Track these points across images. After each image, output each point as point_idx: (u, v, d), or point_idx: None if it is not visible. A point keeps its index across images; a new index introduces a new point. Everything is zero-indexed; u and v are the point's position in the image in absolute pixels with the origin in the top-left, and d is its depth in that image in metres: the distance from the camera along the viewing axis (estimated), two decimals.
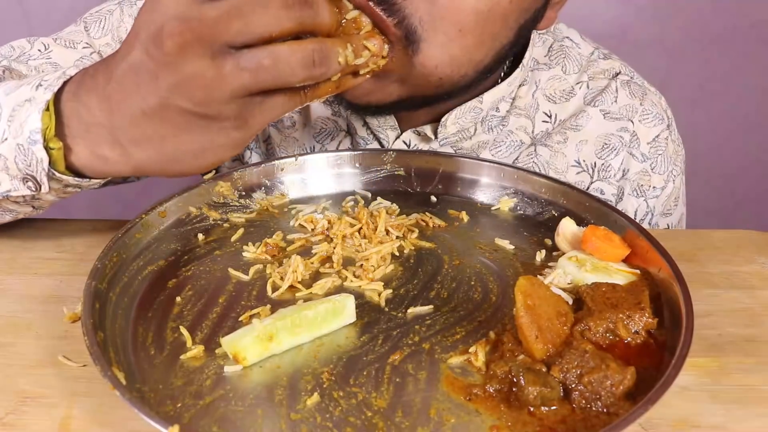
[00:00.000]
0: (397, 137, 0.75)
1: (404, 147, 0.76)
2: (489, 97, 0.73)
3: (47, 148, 0.50)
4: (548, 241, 0.64)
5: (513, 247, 0.63)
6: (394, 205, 0.69)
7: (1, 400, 0.46)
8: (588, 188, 0.78)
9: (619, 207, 0.79)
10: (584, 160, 0.77)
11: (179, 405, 0.45)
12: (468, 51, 0.59)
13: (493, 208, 0.69)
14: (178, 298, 0.55)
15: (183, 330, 0.51)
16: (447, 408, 0.45)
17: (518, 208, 0.69)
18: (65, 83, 0.51)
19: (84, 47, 0.75)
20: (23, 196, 0.55)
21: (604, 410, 0.45)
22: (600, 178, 0.77)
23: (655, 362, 0.48)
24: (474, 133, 0.74)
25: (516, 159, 0.77)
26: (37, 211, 0.61)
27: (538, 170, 0.77)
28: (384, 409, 0.45)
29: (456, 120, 0.72)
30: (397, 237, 0.63)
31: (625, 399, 0.45)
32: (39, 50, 0.73)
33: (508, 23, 0.60)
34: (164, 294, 0.55)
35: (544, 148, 0.76)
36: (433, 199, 0.71)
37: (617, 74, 0.80)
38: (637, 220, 0.79)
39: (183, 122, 0.47)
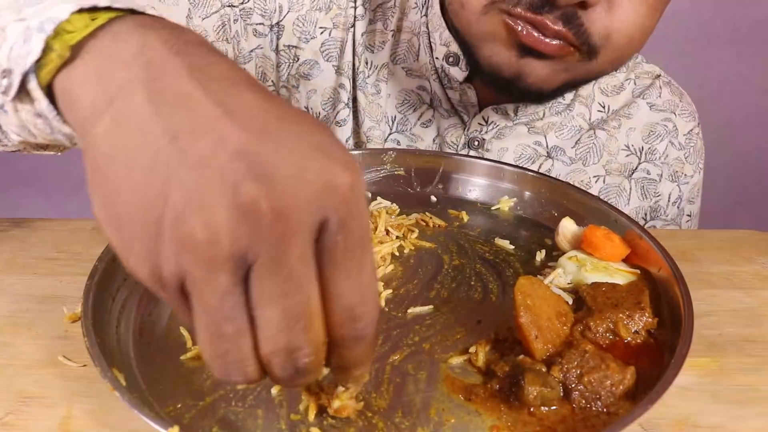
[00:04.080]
0: (476, 114, 0.79)
1: (483, 123, 0.79)
2: None
3: (48, 47, 0.36)
4: (548, 241, 0.64)
5: (513, 247, 0.63)
6: (394, 205, 0.69)
7: (1, 400, 0.46)
8: (636, 168, 0.85)
9: (658, 189, 0.86)
10: (632, 145, 0.85)
11: (179, 405, 0.45)
12: (628, 55, 0.69)
13: (493, 208, 0.69)
14: None
15: (183, 330, 0.51)
16: (447, 408, 0.45)
17: (518, 207, 0.69)
18: (135, 13, 0.38)
19: None
20: None
21: (604, 410, 0.45)
22: (647, 160, 0.86)
23: (655, 362, 0.48)
24: (543, 116, 0.81)
25: (578, 140, 0.83)
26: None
27: (595, 151, 0.84)
28: (384, 409, 0.45)
29: None
30: (397, 237, 0.63)
31: (625, 399, 0.45)
32: None
33: (655, 26, 0.69)
34: None
35: (602, 131, 0.84)
36: (433, 199, 0.71)
37: (659, 76, 0.89)
38: (670, 203, 0.87)
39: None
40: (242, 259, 0.30)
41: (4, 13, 0.41)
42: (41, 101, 0.38)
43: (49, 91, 0.37)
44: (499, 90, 0.73)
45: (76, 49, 0.36)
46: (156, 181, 0.30)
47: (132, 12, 0.37)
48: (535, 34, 0.62)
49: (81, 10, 0.36)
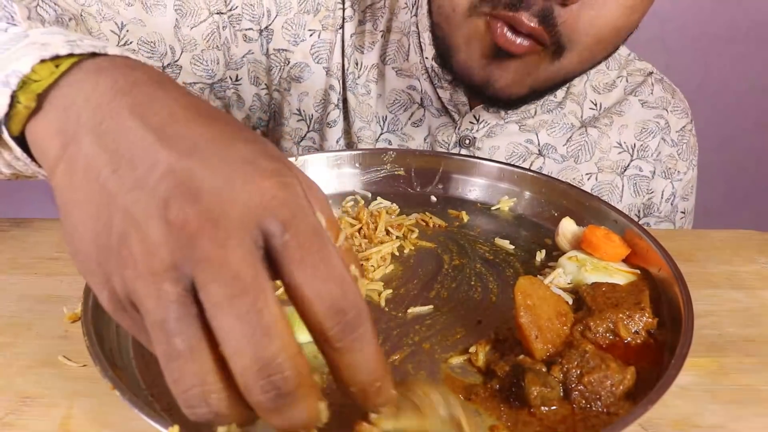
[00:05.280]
0: (467, 113, 0.79)
1: (474, 121, 0.79)
2: None
3: (14, 100, 0.38)
4: (548, 241, 0.64)
5: (513, 247, 0.63)
6: (394, 205, 0.69)
7: (1, 400, 0.46)
8: (628, 165, 0.86)
9: (651, 186, 0.87)
10: (625, 142, 0.86)
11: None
12: (599, 55, 0.70)
13: (493, 208, 0.69)
14: None
15: None
16: None
17: (518, 208, 0.69)
18: (96, 55, 0.39)
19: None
20: None
21: (604, 410, 0.45)
22: (639, 157, 0.86)
23: (655, 362, 0.48)
24: (535, 114, 0.82)
25: (570, 138, 0.84)
26: None
27: (587, 149, 0.85)
28: None
29: None
30: (397, 237, 0.63)
31: (625, 399, 0.45)
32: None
33: (633, 27, 0.69)
34: None
35: (594, 129, 0.85)
36: (433, 199, 0.71)
37: (651, 73, 0.90)
38: (664, 200, 0.87)
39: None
40: (181, 268, 0.30)
41: None
42: (15, 149, 0.40)
43: (23, 138, 0.39)
44: (472, 96, 0.74)
45: (42, 98, 0.37)
46: (102, 212, 0.32)
47: (94, 54, 0.39)
48: (508, 35, 0.63)
49: (44, 60, 0.38)
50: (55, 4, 0.65)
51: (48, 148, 0.36)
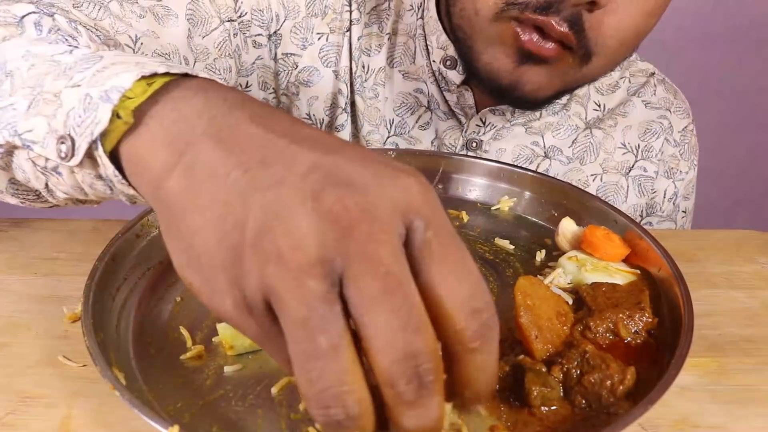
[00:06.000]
0: (473, 116, 0.80)
1: (480, 124, 0.79)
2: None
3: (113, 116, 0.37)
4: (548, 241, 0.64)
5: (513, 247, 0.63)
6: None
7: (1, 400, 0.46)
8: (633, 166, 0.86)
9: (654, 186, 0.87)
10: (629, 143, 0.86)
11: (179, 405, 0.45)
12: (620, 58, 0.72)
13: (493, 208, 0.69)
14: (178, 298, 0.55)
15: (183, 330, 0.51)
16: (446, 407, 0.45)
17: (518, 208, 0.69)
18: (188, 76, 0.38)
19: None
20: (44, 160, 0.41)
21: (604, 410, 0.45)
22: (643, 157, 0.87)
23: (655, 362, 0.48)
24: (540, 116, 0.83)
25: (575, 140, 0.85)
26: (35, 204, 0.49)
27: (592, 150, 0.85)
28: None
29: None
30: None
31: (625, 399, 0.45)
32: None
33: (650, 30, 0.71)
34: (164, 294, 0.55)
35: (598, 130, 0.86)
36: None
37: (653, 74, 0.91)
38: (666, 200, 0.88)
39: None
40: (330, 263, 0.29)
41: (47, 78, 0.41)
42: (107, 167, 0.38)
43: (112, 156, 0.38)
44: (495, 97, 0.74)
45: (138, 114, 0.36)
46: (232, 212, 0.31)
47: (186, 75, 0.38)
48: (536, 39, 0.64)
49: (143, 77, 0.37)
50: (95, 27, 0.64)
51: (152, 161, 0.35)
